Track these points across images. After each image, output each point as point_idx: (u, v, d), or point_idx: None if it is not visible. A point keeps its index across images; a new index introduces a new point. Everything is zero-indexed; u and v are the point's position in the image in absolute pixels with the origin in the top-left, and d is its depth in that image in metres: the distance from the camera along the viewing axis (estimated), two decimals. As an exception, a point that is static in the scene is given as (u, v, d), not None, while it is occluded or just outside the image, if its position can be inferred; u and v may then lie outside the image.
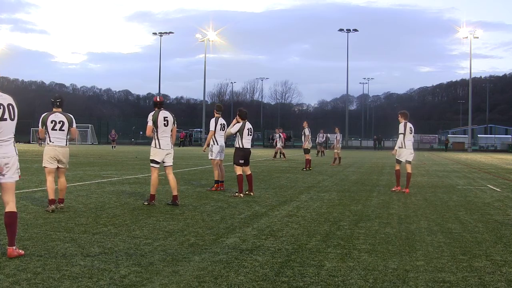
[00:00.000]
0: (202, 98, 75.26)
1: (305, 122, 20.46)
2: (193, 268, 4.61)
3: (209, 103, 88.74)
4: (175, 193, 8.76)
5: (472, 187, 13.14)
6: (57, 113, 7.82)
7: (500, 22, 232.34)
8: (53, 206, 7.66)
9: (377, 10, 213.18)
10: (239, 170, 10.16)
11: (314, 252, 5.33)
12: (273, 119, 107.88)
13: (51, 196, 7.73)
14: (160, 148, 8.65)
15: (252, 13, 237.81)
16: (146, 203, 8.66)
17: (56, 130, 7.77)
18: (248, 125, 10.26)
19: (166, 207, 8.45)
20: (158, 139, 8.62)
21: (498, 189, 12.66)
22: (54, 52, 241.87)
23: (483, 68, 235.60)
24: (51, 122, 7.75)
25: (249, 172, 10.41)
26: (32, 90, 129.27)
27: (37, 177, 13.58)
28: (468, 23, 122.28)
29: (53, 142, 7.76)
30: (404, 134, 11.53)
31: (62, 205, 7.89)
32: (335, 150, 23.60)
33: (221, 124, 11.21)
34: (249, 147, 10.33)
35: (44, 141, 7.95)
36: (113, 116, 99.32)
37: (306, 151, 19.50)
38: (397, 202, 9.67)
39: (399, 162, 11.85)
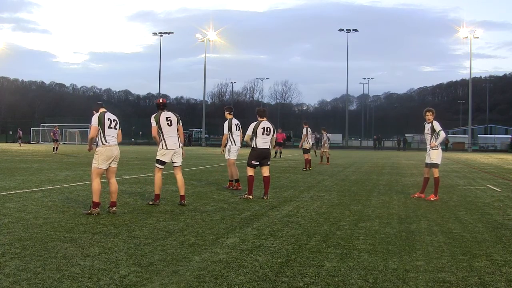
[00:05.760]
0: (202, 98, 75.34)
1: (304, 122, 20.54)
2: (193, 268, 4.61)
3: (209, 103, 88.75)
4: (182, 193, 8.78)
5: (472, 187, 13.13)
6: (109, 112, 7.80)
7: (504, 22, 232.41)
8: (98, 209, 7.46)
9: (381, 10, 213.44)
10: (250, 171, 9.82)
11: (314, 252, 5.33)
12: (273, 119, 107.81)
13: (98, 198, 7.53)
14: (167, 148, 8.57)
15: (255, 12, 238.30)
16: (150, 202, 8.65)
17: (111, 128, 7.71)
18: (264, 124, 9.86)
19: (166, 207, 8.45)
20: (164, 139, 8.55)
21: (498, 189, 12.66)
22: (55, 52, 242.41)
23: (486, 68, 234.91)
24: (108, 120, 7.69)
25: (265, 174, 9.88)
26: (32, 90, 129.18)
27: (37, 177, 13.58)
28: (473, 22, 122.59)
29: (108, 142, 7.62)
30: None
31: (115, 208, 7.67)
32: (323, 150, 23.73)
33: (235, 125, 11.42)
34: (266, 147, 9.82)
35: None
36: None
37: (305, 151, 19.52)
38: (397, 202, 9.67)
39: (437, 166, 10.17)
